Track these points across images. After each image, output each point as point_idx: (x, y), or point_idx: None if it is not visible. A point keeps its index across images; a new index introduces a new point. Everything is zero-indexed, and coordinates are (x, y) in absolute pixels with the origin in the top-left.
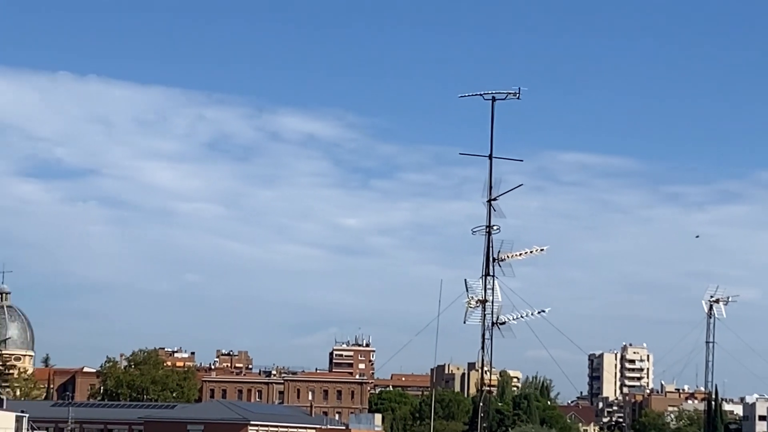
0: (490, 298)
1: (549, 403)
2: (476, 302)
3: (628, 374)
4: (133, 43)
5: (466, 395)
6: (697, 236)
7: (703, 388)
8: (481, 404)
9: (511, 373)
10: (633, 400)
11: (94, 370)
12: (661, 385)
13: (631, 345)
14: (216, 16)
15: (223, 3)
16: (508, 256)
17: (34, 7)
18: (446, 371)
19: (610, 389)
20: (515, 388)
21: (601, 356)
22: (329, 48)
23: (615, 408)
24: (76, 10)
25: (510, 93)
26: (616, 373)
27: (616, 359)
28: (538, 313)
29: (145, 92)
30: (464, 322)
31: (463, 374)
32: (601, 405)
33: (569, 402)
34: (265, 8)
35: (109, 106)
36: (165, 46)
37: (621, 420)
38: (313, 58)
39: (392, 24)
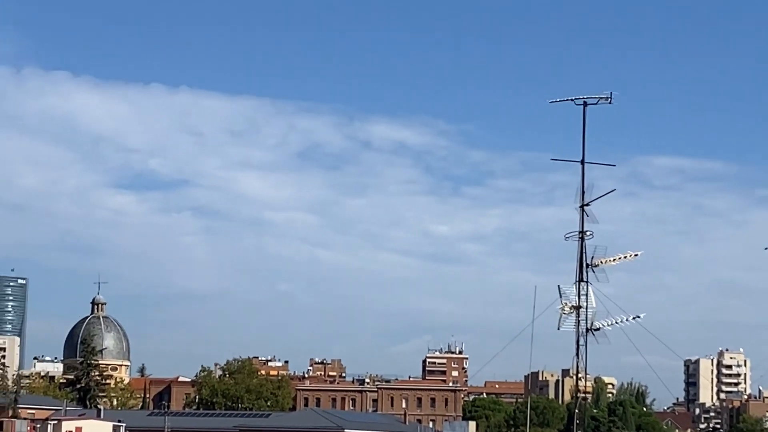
0: (584, 304)
1: (645, 409)
2: (570, 308)
3: (724, 380)
4: (223, 55)
5: (560, 402)
6: None
7: None
8: (576, 411)
9: (606, 379)
10: (730, 406)
11: (189, 380)
12: (759, 390)
13: (727, 350)
14: (303, 26)
15: (310, 14)
16: (601, 262)
17: (125, 20)
18: (540, 378)
19: (706, 395)
20: (610, 395)
21: (697, 362)
22: (418, 55)
23: (712, 414)
24: (167, 23)
25: (602, 97)
26: (712, 378)
27: (712, 365)
28: (633, 318)
29: (236, 102)
30: (558, 329)
31: (558, 381)
32: (697, 411)
33: (665, 408)
34: (352, 18)
35: (200, 116)
36: (254, 57)
37: (718, 426)
38: (402, 66)
39: (481, 30)
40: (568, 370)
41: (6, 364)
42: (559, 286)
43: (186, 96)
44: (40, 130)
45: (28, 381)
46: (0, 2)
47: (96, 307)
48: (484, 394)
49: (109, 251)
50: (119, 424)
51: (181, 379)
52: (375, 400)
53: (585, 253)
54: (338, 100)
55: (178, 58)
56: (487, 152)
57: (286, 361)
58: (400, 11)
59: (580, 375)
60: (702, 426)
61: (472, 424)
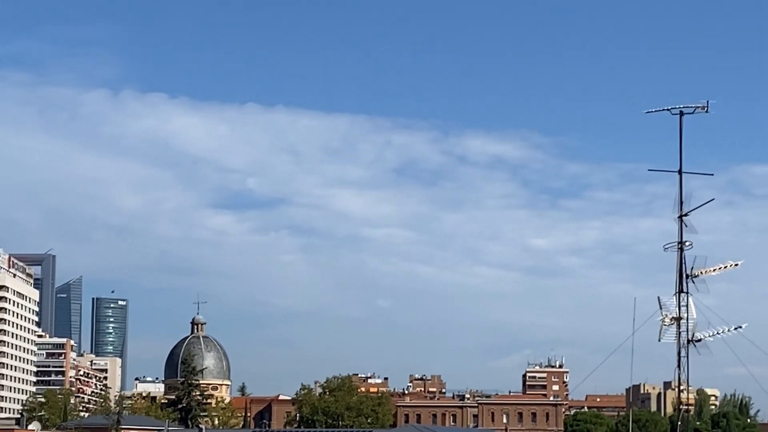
0: (685, 315)
1: (749, 420)
2: (670, 320)
3: None
4: (319, 73)
5: (663, 415)
6: None
7: None
8: (679, 423)
9: (709, 391)
10: None
11: (290, 398)
12: None
13: None
14: (397, 44)
15: (404, 32)
16: (701, 272)
17: (220, 41)
18: (642, 391)
19: None
20: (713, 407)
21: None
22: (513, 70)
23: None
24: (262, 43)
25: (698, 107)
26: None
27: None
28: (735, 329)
29: (332, 120)
30: (659, 341)
31: (659, 393)
32: None
33: None
34: (446, 36)
35: (296, 135)
36: (350, 74)
37: None
38: (497, 80)
39: (576, 42)
40: (670, 383)
41: (108, 386)
42: (659, 297)
43: (282, 115)
44: (139, 152)
45: (130, 402)
46: (97, 27)
47: (196, 327)
48: (586, 407)
49: (208, 271)
50: None
51: (281, 397)
52: (475, 416)
53: (685, 263)
54: (434, 115)
55: (274, 77)
56: (584, 164)
57: (386, 378)
58: (493, 27)
59: (682, 387)
60: None
61: None
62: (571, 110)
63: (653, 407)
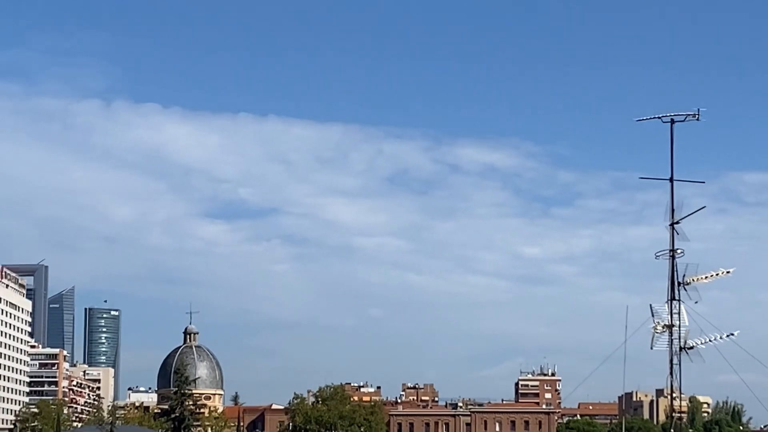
0: (677, 322)
1: (741, 428)
2: (662, 327)
3: None
4: (311, 82)
5: (655, 422)
6: None
7: None
8: (671, 431)
9: (701, 398)
10: None
11: (283, 407)
12: None
13: None
14: (389, 53)
15: (394, 42)
16: (693, 280)
17: (212, 52)
18: (634, 398)
19: None
20: (706, 414)
21: None
22: (505, 79)
23: None
24: (253, 53)
25: (689, 114)
26: None
27: None
28: (727, 336)
29: (324, 130)
30: (651, 348)
31: (652, 401)
32: None
33: (762, 426)
34: (437, 45)
35: (288, 144)
36: (341, 84)
37: None
38: (489, 89)
39: (566, 52)
40: (663, 390)
41: (101, 396)
42: (651, 305)
43: (274, 124)
44: (132, 162)
45: (123, 411)
46: (89, 37)
47: (188, 336)
48: (578, 415)
49: (201, 281)
50: None
51: (274, 406)
52: (468, 424)
53: (676, 271)
54: (426, 124)
55: (266, 87)
56: (575, 173)
57: (379, 387)
58: (486, 37)
59: (674, 394)
60: None
61: None
62: (563, 119)
63: (646, 415)
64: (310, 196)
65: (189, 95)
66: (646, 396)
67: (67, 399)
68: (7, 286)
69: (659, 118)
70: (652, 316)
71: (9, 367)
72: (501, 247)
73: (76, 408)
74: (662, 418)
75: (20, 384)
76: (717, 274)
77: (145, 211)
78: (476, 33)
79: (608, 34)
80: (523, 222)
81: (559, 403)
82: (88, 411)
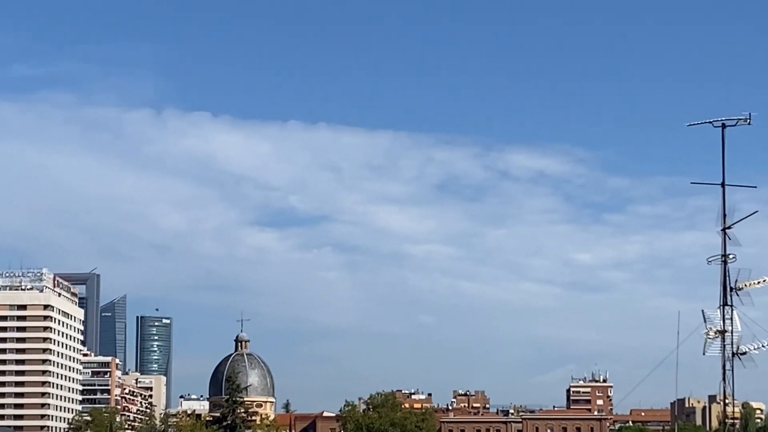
0: (729, 328)
1: None
2: (715, 333)
3: None
4: (361, 90)
5: (708, 429)
6: None
7: None
8: None
9: (754, 404)
10: None
11: (334, 414)
12: None
13: None
14: (437, 61)
15: (445, 50)
16: (745, 285)
17: (262, 60)
18: (687, 405)
19: None
20: (759, 420)
21: None
22: (554, 85)
23: None
24: (303, 61)
25: (740, 119)
26: None
27: None
28: None
29: (374, 137)
30: (703, 354)
31: (704, 407)
32: None
33: None
34: (486, 51)
35: (338, 152)
36: (391, 91)
37: None
38: (539, 96)
39: (617, 57)
40: (715, 396)
41: (153, 404)
42: (703, 310)
43: (324, 132)
44: (182, 170)
45: (175, 419)
46: (139, 47)
47: (240, 344)
48: (630, 422)
49: (251, 288)
50: None
51: (325, 414)
52: (519, 431)
53: (728, 276)
54: (476, 131)
55: (316, 95)
56: (626, 178)
57: (430, 394)
58: (535, 43)
59: (727, 400)
60: None
61: None
62: (613, 124)
63: (698, 421)
64: (360, 203)
65: (239, 103)
66: (698, 402)
67: (119, 407)
68: (60, 294)
69: (710, 122)
70: (705, 321)
71: (62, 375)
72: (552, 253)
73: (128, 416)
74: (715, 424)
75: (73, 392)
76: None
77: (196, 219)
78: (526, 40)
79: (659, 40)
80: (573, 228)
81: (611, 409)
82: (140, 419)
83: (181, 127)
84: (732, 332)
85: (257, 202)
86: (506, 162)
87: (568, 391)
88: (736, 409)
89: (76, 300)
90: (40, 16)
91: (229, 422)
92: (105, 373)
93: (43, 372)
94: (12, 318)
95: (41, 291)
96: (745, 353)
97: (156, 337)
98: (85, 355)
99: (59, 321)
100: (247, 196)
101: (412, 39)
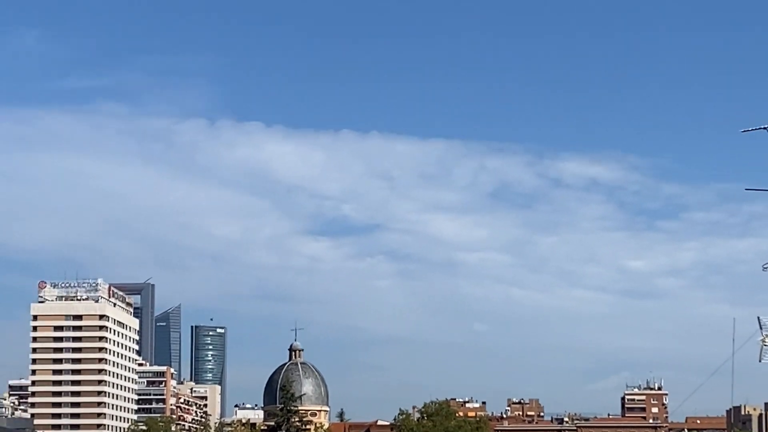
0: None
1: None
2: None
3: None
4: (413, 98)
5: None
6: None
7: None
8: None
9: None
10: None
11: (388, 423)
12: None
13: None
14: (488, 69)
15: (495, 57)
16: None
17: (314, 70)
18: (743, 412)
19: None
20: None
21: None
22: (604, 92)
23: None
24: (355, 70)
25: None
26: None
27: None
28: None
29: (426, 146)
30: (759, 361)
31: (761, 415)
32: None
33: None
34: (538, 59)
35: (391, 161)
36: (444, 100)
37: None
38: (591, 102)
39: (670, 64)
40: None
41: (208, 413)
42: (758, 317)
43: (377, 141)
44: (235, 180)
45: (229, 429)
46: (192, 58)
47: (293, 353)
48: (686, 430)
49: (305, 297)
50: None
51: (380, 422)
52: None
53: None
54: (528, 138)
55: (368, 104)
56: (680, 185)
57: (484, 402)
58: (586, 50)
59: None
60: None
61: None
62: (666, 131)
63: (754, 429)
64: (413, 212)
65: (291, 113)
66: (754, 410)
67: (174, 416)
68: (115, 304)
69: (765, 128)
70: (760, 328)
71: (117, 385)
72: (605, 260)
73: (183, 425)
74: None
75: (129, 401)
76: None
77: (249, 228)
78: (577, 47)
79: (713, 45)
80: (627, 235)
81: (666, 417)
82: (195, 428)
83: (234, 137)
84: None
85: (310, 211)
86: (559, 169)
87: (623, 398)
88: None
89: (131, 310)
90: (93, 28)
91: (283, 431)
92: (160, 382)
93: (99, 382)
94: (68, 328)
95: (97, 301)
96: None
97: (210, 347)
98: (140, 364)
99: (115, 331)
100: (300, 206)
101: (464, 47)
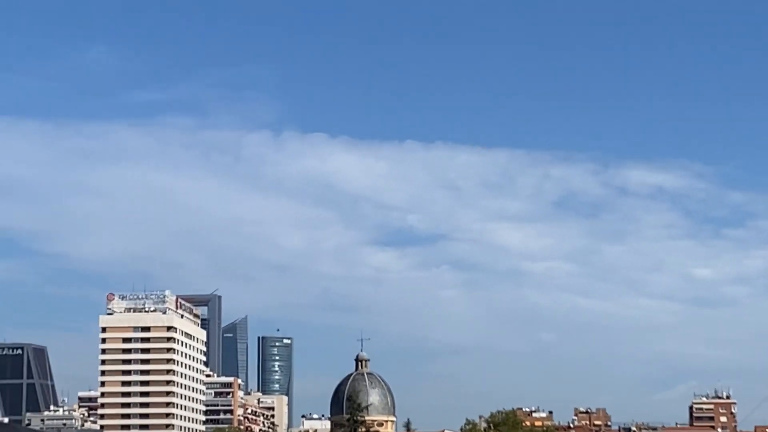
0: None
1: None
2: None
3: None
4: (476, 109)
5: None
6: None
7: None
8: None
9: None
10: None
11: None
12: None
13: None
14: (553, 78)
15: (559, 66)
16: None
17: (377, 81)
18: None
19: None
20: None
21: None
22: (670, 100)
23: None
24: (419, 82)
25: None
26: None
27: None
28: None
29: (490, 155)
30: None
31: None
32: None
33: None
34: (603, 68)
35: (455, 171)
36: (506, 110)
37: None
38: (656, 111)
39: (733, 72)
40: None
41: (275, 423)
42: None
43: (441, 151)
44: (301, 191)
45: None
46: (257, 70)
47: (360, 363)
48: None
49: (370, 307)
50: None
51: None
52: None
53: None
54: (593, 147)
55: (432, 114)
56: (747, 193)
57: (551, 412)
58: (649, 60)
59: None
60: None
61: None
62: (732, 138)
63: None
64: (478, 221)
65: (355, 124)
66: None
67: (242, 427)
68: (182, 316)
69: None
70: None
71: (186, 395)
72: (672, 269)
73: None
74: None
75: (197, 412)
76: None
77: (315, 239)
78: (641, 57)
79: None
80: (693, 243)
81: (735, 426)
82: None
83: (299, 149)
84: None
85: (376, 221)
86: (624, 178)
87: (691, 407)
88: None
89: (199, 321)
90: (159, 43)
91: None
92: (227, 393)
93: (167, 393)
94: (136, 340)
95: (164, 313)
96: None
97: (277, 357)
98: (208, 375)
99: (182, 342)
100: (366, 216)
101: (526, 57)
